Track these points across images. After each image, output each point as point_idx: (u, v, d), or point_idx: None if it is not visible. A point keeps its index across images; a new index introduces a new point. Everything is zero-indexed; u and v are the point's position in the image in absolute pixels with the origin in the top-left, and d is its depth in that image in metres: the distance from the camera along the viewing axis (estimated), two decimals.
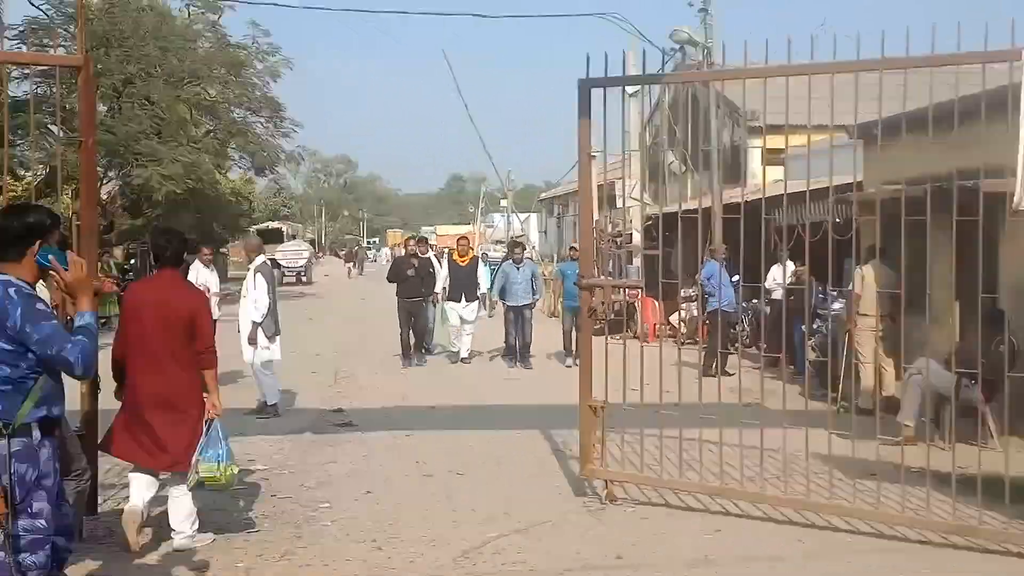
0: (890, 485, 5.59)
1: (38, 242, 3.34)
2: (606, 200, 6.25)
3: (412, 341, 13.31)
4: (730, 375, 11.26)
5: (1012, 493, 5.22)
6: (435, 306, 13.56)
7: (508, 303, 13.25)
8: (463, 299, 13.26)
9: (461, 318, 13.34)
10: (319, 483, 6.81)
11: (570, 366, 12.24)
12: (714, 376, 10.47)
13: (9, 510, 3.17)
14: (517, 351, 13.18)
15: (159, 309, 5.14)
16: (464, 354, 13.46)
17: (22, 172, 18.77)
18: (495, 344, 14.33)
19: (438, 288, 13.47)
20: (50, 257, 3.34)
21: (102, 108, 22.18)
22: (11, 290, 3.24)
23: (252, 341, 9.10)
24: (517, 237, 37.71)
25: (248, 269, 9.42)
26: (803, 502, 5.66)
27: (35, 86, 17.66)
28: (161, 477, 5.34)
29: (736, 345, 9.48)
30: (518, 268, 13.19)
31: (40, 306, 3.26)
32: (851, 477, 5.81)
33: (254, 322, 9.09)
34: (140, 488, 5.23)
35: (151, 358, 5.11)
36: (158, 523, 5.42)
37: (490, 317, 14.62)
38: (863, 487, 5.66)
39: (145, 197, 25.23)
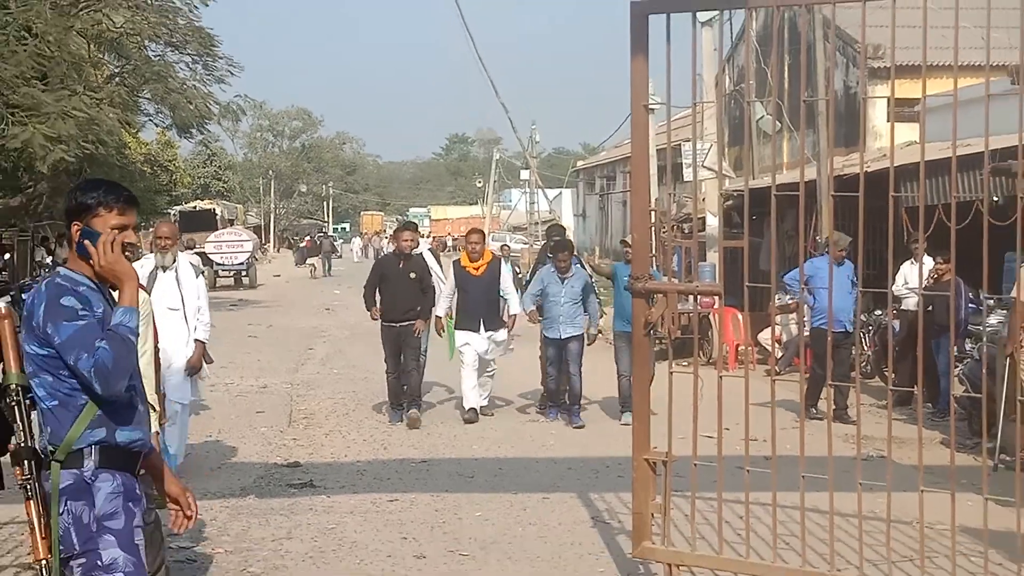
0: None
1: (75, 225, 3.61)
2: (669, 170, 6.20)
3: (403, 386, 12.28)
4: (847, 421, 11.25)
5: None
6: (418, 335, 12.14)
7: (546, 332, 12.53)
8: (481, 327, 12.40)
9: (478, 355, 12.45)
10: (269, 568, 6.78)
11: (628, 424, 11.73)
12: (820, 418, 10.47)
13: (56, 558, 3.38)
14: (563, 399, 12.50)
15: None
16: (483, 401, 12.63)
17: None
18: (525, 386, 13.88)
19: (440, 309, 12.57)
20: (85, 243, 3.60)
21: None
22: (44, 283, 3.56)
23: (194, 371, 9.22)
24: (549, 223, 37.13)
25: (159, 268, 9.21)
26: None
27: None
28: None
29: (853, 376, 9.38)
30: (562, 279, 12.36)
31: (67, 300, 3.48)
32: (1015, 559, 5.71)
33: (199, 341, 9.21)
34: None
35: None
36: None
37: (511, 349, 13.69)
38: None
39: (24, 167, 25.38)
